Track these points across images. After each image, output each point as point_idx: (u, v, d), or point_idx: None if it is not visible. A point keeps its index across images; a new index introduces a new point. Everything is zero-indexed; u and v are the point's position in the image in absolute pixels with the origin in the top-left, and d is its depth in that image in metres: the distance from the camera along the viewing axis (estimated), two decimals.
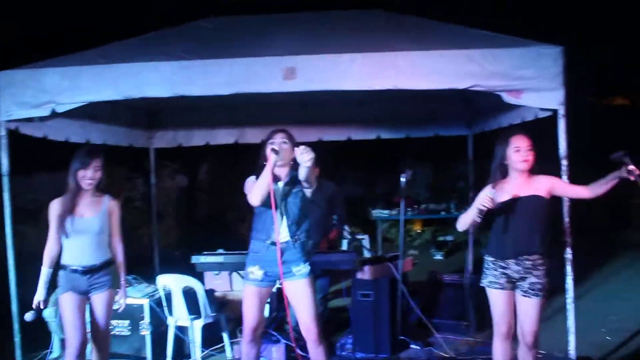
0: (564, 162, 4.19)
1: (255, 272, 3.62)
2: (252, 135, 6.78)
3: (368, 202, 11.23)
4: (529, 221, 3.42)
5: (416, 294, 5.29)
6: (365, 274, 4.85)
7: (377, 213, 9.75)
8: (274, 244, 3.55)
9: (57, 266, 3.74)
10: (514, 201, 3.41)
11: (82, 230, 3.62)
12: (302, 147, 3.42)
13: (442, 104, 6.65)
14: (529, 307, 3.43)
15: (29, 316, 3.68)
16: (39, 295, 3.66)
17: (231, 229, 10.87)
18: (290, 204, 3.61)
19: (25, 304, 4.64)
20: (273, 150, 3.52)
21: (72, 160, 3.66)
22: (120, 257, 3.80)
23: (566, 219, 4.14)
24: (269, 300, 5.69)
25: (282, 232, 3.58)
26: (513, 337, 3.56)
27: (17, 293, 4.56)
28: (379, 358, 4.78)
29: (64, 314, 3.61)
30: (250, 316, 3.63)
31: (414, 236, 11.05)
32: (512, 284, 3.46)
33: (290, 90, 4.27)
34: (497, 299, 3.48)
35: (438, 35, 4.71)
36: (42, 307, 3.67)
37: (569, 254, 4.16)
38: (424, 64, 4.22)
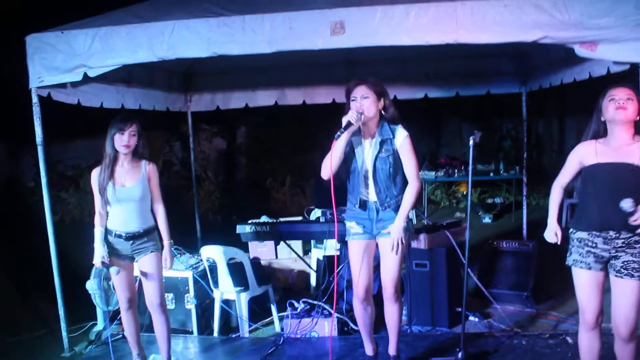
0: None
1: (353, 227, 3.50)
2: (292, 97, 6.55)
3: None
4: (618, 193, 2.82)
5: (472, 262, 4.96)
6: (420, 242, 4.53)
7: (423, 175, 9.40)
8: (362, 207, 3.45)
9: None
10: (603, 167, 2.89)
11: (124, 198, 3.64)
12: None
13: (494, 60, 6.24)
14: (622, 290, 2.88)
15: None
16: (98, 254, 3.66)
17: (272, 193, 10.68)
18: (379, 171, 3.39)
19: (70, 274, 4.54)
20: (348, 123, 3.28)
21: (109, 127, 3.62)
22: (162, 219, 3.80)
23: None
24: (315, 269, 5.51)
25: (370, 194, 3.43)
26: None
27: (58, 266, 4.46)
28: (436, 331, 4.51)
29: (112, 275, 3.74)
30: (360, 273, 3.45)
31: (460, 198, 10.66)
32: (602, 264, 2.94)
33: (338, 46, 3.92)
34: (582, 280, 2.97)
35: None
36: (107, 262, 3.64)
37: None
38: (486, 15, 3.77)
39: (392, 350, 3.69)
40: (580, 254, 2.98)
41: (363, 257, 3.46)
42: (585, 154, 2.99)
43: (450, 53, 5.83)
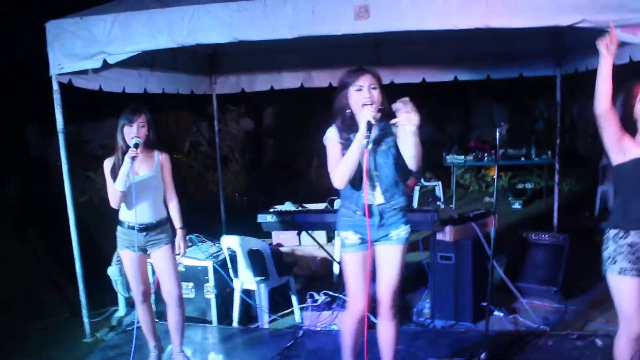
0: None
1: (350, 237, 3.04)
2: (319, 79, 6.42)
3: (440, 146, 10.63)
4: None
5: (500, 254, 4.80)
6: (446, 235, 4.39)
7: (452, 159, 9.22)
8: (364, 214, 2.96)
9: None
10: None
11: (139, 187, 3.56)
12: (403, 103, 2.82)
13: (527, 41, 5.93)
14: None
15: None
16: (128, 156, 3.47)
17: (299, 174, 10.59)
18: (382, 166, 2.96)
19: (96, 256, 4.53)
20: (369, 124, 2.81)
21: (119, 118, 3.58)
22: (174, 208, 3.78)
23: None
24: (338, 261, 5.41)
25: (376, 196, 3.00)
26: None
27: (81, 251, 4.46)
28: (459, 327, 4.39)
29: (125, 268, 3.75)
30: (359, 288, 3.02)
31: (489, 182, 10.42)
32: None
33: (362, 31, 3.77)
34: (632, 289, 2.74)
35: None
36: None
37: None
38: None
39: None
40: (630, 261, 2.74)
41: (361, 271, 3.03)
42: (627, 144, 2.77)
43: (480, 35, 5.62)
